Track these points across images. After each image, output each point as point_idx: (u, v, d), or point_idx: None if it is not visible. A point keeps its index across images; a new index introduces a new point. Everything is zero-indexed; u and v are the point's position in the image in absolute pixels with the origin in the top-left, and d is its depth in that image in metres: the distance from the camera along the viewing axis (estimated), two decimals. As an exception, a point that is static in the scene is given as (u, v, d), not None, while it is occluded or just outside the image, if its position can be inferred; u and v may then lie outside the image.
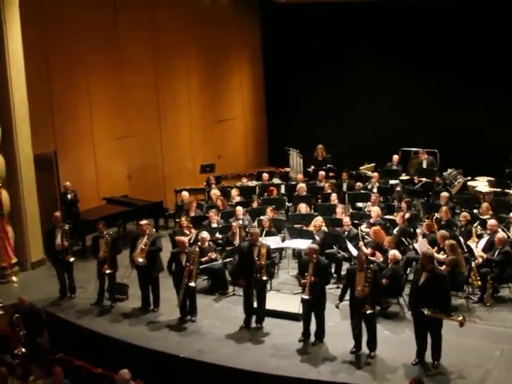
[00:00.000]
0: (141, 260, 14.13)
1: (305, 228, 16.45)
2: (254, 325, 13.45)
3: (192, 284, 13.55)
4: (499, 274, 13.87)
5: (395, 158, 21.26)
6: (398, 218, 16.26)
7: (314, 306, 12.44)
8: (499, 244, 13.96)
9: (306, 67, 25.02)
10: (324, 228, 16.10)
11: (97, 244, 14.91)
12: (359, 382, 11.36)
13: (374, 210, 16.41)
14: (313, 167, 22.00)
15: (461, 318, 11.27)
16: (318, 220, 16.22)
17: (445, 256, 13.76)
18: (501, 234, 14.20)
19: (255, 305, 13.45)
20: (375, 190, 19.16)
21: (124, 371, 10.32)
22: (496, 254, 13.94)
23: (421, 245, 14.25)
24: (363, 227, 15.98)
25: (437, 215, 16.24)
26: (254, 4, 25.92)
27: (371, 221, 16.11)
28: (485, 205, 16.69)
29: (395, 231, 15.70)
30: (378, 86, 23.70)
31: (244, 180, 21.44)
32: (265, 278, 13.16)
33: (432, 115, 22.89)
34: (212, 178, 20.94)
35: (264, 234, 15.73)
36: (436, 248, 14.14)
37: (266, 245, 13.52)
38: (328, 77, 24.54)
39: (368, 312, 11.66)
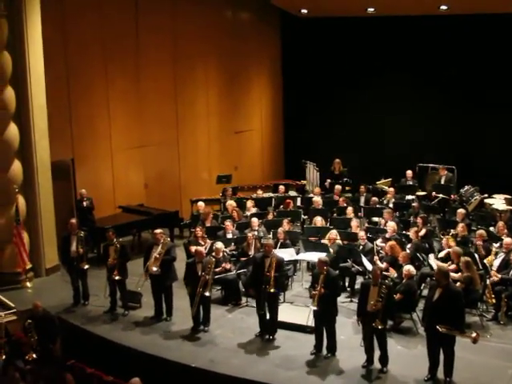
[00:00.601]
0: (155, 269, 14.13)
1: (320, 241, 16.41)
2: (266, 336, 13.41)
3: (207, 294, 13.55)
4: (514, 292, 13.80)
5: (409, 173, 21.08)
6: (411, 233, 16.20)
7: (325, 318, 12.40)
8: (514, 262, 13.88)
9: (324, 80, 25.09)
10: (339, 241, 16.08)
11: (107, 251, 14.96)
12: (370, 396, 11.34)
13: (391, 226, 16.32)
14: (329, 181, 21.97)
15: (474, 334, 11.19)
16: (333, 233, 16.20)
17: (459, 274, 13.67)
18: (516, 253, 14.10)
19: (267, 316, 13.41)
20: (391, 205, 19.09)
21: (135, 380, 10.31)
22: (511, 272, 13.85)
23: None
24: (378, 242, 15.93)
25: (453, 231, 16.15)
26: (276, 17, 26.06)
27: (387, 236, 16.05)
28: (500, 223, 16.58)
29: (409, 246, 15.63)
30: (396, 101, 23.75)
31: (259, 192, 21.39)
32: (272, 290, 13.01)
33: (449, 132, 22.91)
34: (228, 188, 20.96)
35: (279, 245, 15.73)
36: (450, 263, 14.08)
37: (277, 257, 13.42)
38: (346, 91, 24.62)
39: (378, 327, 11.60)
